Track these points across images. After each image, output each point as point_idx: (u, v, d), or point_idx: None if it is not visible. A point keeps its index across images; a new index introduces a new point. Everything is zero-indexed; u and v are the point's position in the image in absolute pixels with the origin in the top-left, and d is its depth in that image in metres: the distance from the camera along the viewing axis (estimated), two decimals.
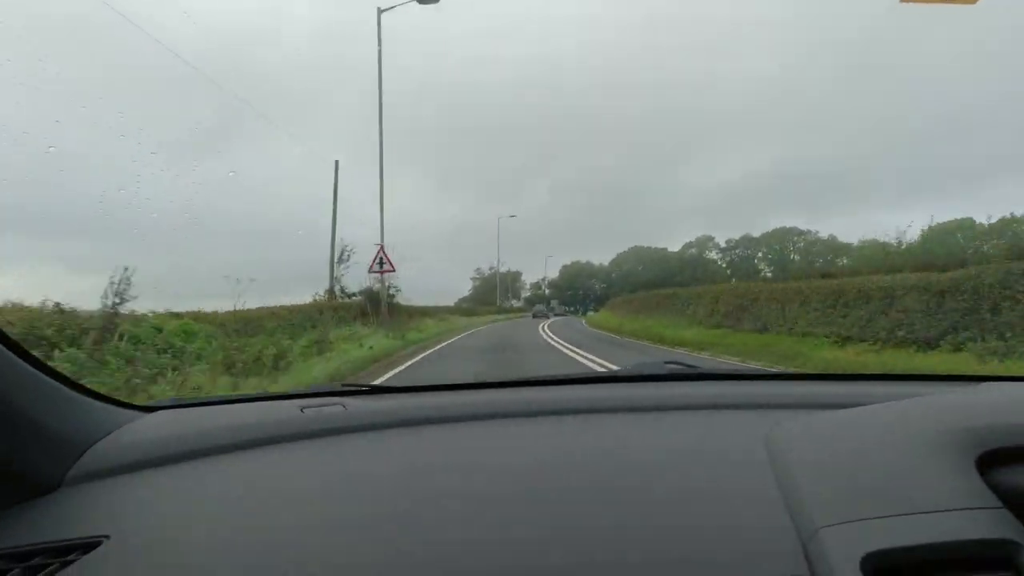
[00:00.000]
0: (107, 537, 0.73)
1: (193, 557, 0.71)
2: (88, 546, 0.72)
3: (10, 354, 0.83)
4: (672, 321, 25.09)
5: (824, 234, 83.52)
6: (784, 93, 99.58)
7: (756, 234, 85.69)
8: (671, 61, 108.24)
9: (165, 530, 0.78)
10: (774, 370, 2.82)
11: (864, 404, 0.99)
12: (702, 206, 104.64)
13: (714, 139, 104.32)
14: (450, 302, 54.25)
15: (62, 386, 0.94)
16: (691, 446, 1.00)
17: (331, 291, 21.02)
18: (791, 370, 3.07)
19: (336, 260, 21.60)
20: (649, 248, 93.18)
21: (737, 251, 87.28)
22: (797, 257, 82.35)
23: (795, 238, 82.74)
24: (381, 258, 17.75)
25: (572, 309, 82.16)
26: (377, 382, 2.08)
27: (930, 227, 71.06)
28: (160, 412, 1.16)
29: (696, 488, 0.82)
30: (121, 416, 1.06)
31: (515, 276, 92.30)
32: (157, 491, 0.88)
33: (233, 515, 0.80)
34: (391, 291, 21.49)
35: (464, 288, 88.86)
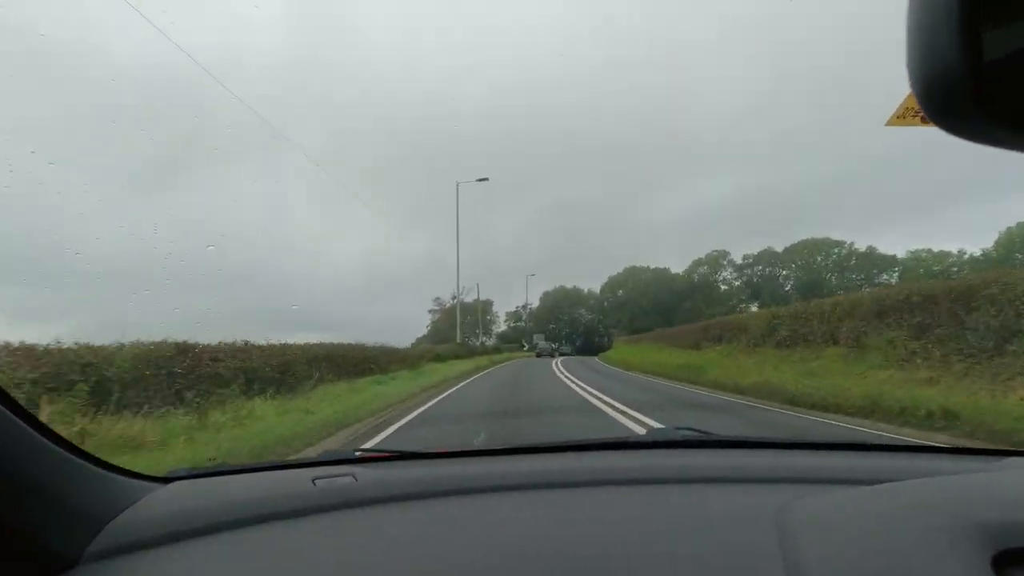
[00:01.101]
0: None
1: None
2: None
3: (24, 425, 0.80)
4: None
5: (860, 245, 68.92)
6: (763, 116, 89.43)
7: (779, 248, 71.16)
8: (646, 83, 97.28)
9: None
10: (789, 438, 1.60)
11: (881, 480, 1.01)
12: (689, 226, 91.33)
13: (697, 160, 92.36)
14: (408, 342, 40.69)
15: (78, 459, 0.92)
16: (699, 524, 0.98)
17: None
18: (806, 439, 1.57)
19: None
20: (647, 268, 78.17)
21: (757, 268, 72.49)
22: (832, 276, 67.61)
23: (826, 250, 68.11)
24: None
25: (556, 346, 65.95)
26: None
27: (1009, 229, 57.93)
28: (176, 483, 1.16)
29: (703, 571, 0.81)
30: (139, 488, 1.06)
31: (486, 306, 75.85)
32: (177, 569, 0.88)
33: None
34: None
35: (425, 325, 72.18)
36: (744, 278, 73.15)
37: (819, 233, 69.91)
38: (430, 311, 70.43)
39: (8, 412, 0.77)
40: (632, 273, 78.41)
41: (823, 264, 68.21)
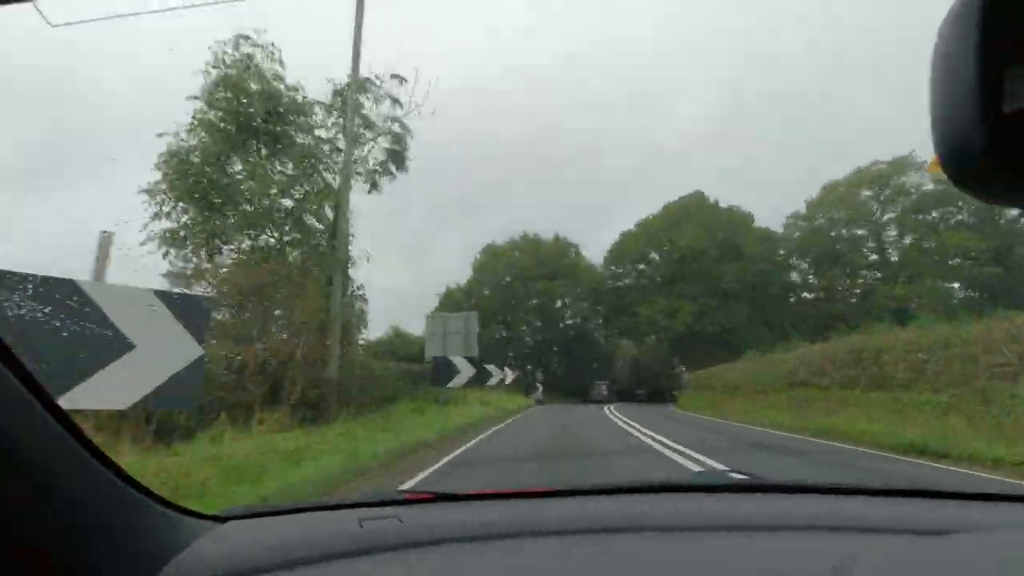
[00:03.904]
0: None
1: None
2: None
3: (89, 456, 0.80)
4: None
5: None
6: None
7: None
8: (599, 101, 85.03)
9: None
10: (854, 484, 1.47)
11: (957, 531, 0.94)
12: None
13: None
14: None
15: (141, 495, 0.92)
16: (753, 574, 0.95)
17: None
18: (875, 485, 1.49)
19: None
20: (714, 205, 39.97)
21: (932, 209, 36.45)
22: None
23: None
24: None
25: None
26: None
27: None
28: (231, 523, 1.18)
29: None
30: (195, 527, 1.07)
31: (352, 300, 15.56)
32: None
33: None
34: None
35: None
36: (908, 222, 36.94)
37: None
38: (164, 275, 13.67)
39: (74, 442, 0.76)
40: (677, 216, 38.70)
41: None
